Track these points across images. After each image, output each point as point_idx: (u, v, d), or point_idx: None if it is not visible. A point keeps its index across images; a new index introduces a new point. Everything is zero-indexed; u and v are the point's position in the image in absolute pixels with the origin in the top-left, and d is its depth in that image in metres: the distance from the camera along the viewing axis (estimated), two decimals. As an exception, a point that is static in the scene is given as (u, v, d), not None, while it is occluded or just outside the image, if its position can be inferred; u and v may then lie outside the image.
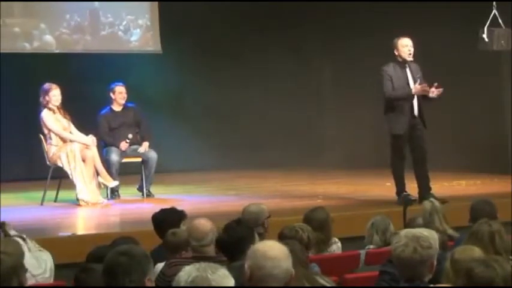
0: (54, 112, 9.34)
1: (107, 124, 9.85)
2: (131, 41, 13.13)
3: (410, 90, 8.62)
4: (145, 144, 9.91)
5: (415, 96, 8.71)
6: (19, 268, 3.81)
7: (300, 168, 12.96)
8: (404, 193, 8.75)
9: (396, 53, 8.72)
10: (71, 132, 9.41)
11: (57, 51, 12.44)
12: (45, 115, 9.29)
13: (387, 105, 8.77)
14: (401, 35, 8.74)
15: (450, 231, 6.26)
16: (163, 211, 6.20)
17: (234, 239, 4.89)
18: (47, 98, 9.28)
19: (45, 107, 9.30)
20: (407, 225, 5.53)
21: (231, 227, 5.08)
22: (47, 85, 9.36)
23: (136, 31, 13.11)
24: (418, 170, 8.86)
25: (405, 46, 8.67)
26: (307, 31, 13.59)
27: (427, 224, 5.83)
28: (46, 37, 12.53)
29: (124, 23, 13.06)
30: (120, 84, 9.99)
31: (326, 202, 8.75)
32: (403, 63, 8.72)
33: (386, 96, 8.70)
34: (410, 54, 8.67)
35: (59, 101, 9.33)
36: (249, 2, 12.82)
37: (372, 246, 6.16)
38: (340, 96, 13.66)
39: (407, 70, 8.73)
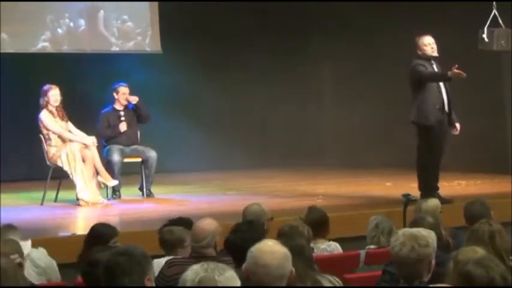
0: (53, 115, 9.30)
1: (107, 122, 9.85)
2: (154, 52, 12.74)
3: (446, 73, 8.36)
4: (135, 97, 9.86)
5: (445, 93, 8.57)
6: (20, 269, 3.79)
7: (300, 168, 12.96)
8: (404, 193, 8.69)
9: (420, 52, 8.59)
10: (69, 131, 9.41)
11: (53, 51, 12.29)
12: (44, 116, 9.26)
13: (418, 97, 8.53)
14: (422, 34, 8.62)
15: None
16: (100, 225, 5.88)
17: (248, 243, 4.57)
18: (46, 98, 9.25)
19: (44, 108, 9.29)
20: (413, 223, 5.47)
21: (242, 229, 4.86)
22: (46, 86, 9.34)
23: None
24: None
25: (427, 45, 8.56)
26: (308, 31, 13.59)
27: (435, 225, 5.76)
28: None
29: (148, 31, 12.57)
30: (124, 84, 9.96)
31: (326, 202, 8.75)
32: (428, 60, 8.60)
33: (423, 76, 8.44)
34: (433, 50, 8.54)
35: (58, 101, 9.29)
36: (249, 2, 12.82)
37: (372, 246, 6.16)
38: (340, 96, 13.66)
39: (434, 66, 8.62)
